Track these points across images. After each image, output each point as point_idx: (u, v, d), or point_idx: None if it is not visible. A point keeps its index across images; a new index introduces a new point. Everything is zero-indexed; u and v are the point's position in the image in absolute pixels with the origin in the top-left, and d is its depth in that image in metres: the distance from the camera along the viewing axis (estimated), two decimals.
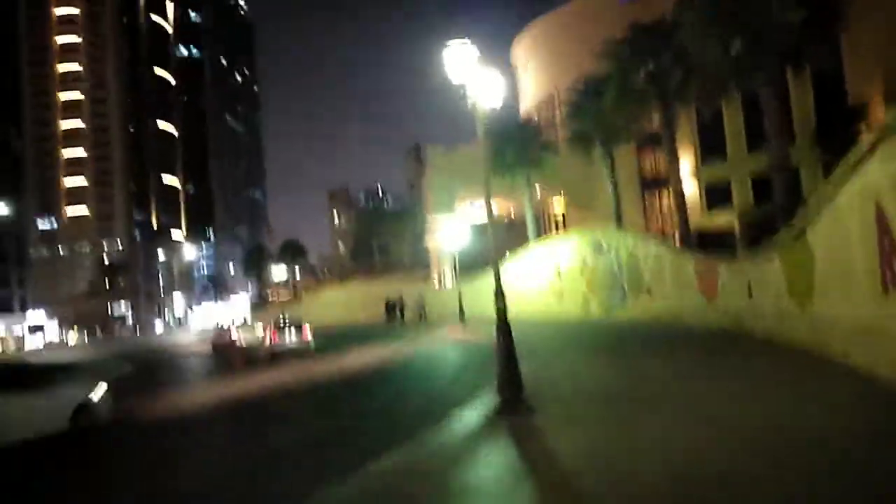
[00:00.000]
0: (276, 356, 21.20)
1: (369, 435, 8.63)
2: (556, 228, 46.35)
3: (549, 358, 14.35)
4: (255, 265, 71.95)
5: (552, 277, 29.97)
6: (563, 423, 7.69)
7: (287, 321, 22.49)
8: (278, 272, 66.00)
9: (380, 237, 57.28)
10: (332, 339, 27.59)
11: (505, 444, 7.19)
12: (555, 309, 29.27)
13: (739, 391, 8.51)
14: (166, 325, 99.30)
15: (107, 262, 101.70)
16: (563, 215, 49.43)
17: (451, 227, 30.29)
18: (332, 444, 8.44)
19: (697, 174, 38.54)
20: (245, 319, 56.74)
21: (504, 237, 47.21)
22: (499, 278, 8.88)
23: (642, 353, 13.71)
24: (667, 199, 40.17)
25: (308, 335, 22.53)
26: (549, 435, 7.25)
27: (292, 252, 69.62)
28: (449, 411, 8.81)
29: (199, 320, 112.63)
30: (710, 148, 38.43)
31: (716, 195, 36.93)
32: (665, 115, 22.18)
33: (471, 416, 8.48)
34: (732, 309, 15.56)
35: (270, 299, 65.28)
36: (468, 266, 43.37)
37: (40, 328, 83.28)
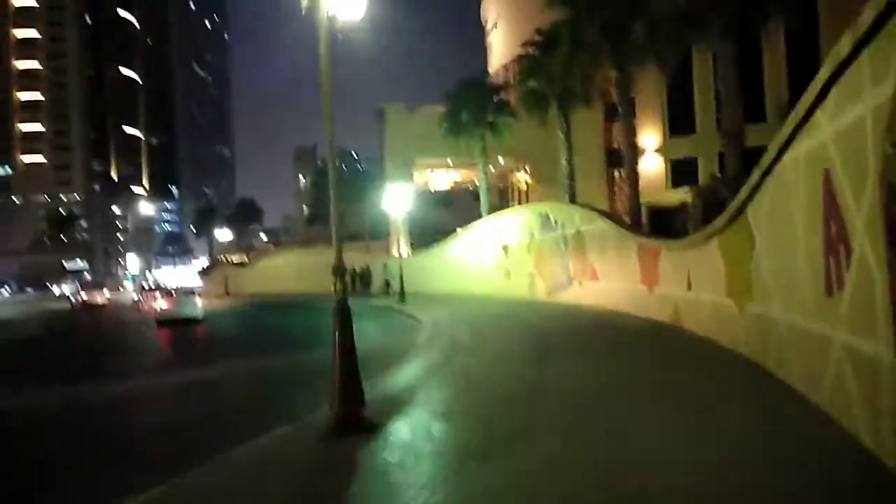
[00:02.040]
0: (161, 323, 21.97)
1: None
2: (520, 202, 44.36)
3: (457, 350, 12.41)
4: (205, 226, 68.57)
5: (500, 254, 28.02)
6: (403, 453, 5.71)
7: (173, 289, 26.17)
8: (222, 234, 62.86)
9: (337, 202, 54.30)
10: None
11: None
12: (501, 288, 27.42)
13: (645, 421, 6.58)
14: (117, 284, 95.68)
15: (54, 213, 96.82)
16: (528, 187, 47.51)
17: (398, 195, 28.02)
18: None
19: (664, 149, 36.74)
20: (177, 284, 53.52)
21: (466, 209, 45.24)
22: (340, 252, 6.84)
23: (559, 352, 11.75)
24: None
25: (198, 304, 23.68)
26: (377, 473, 5.25)
27: (247, 213, 66.65)
28: (271, 426, 6.79)
29: (155, 280, 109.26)
30: (679, 122, 36.65)
31: (682, 172, 35.18)
32: (620, 75, 20.01)
33: (289, 436, 6.47)
34: (672, 300, 13.72)
35: (220, 263, 62.39)
36: (430, 237, 41.38)
37: None
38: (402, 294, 26.98)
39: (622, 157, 37.22)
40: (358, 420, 6.39)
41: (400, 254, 43.38)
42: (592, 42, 19.44)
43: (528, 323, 16.61)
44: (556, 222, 22.95)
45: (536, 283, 24.78)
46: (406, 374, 9.84)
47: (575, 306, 19.94)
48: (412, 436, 6.18)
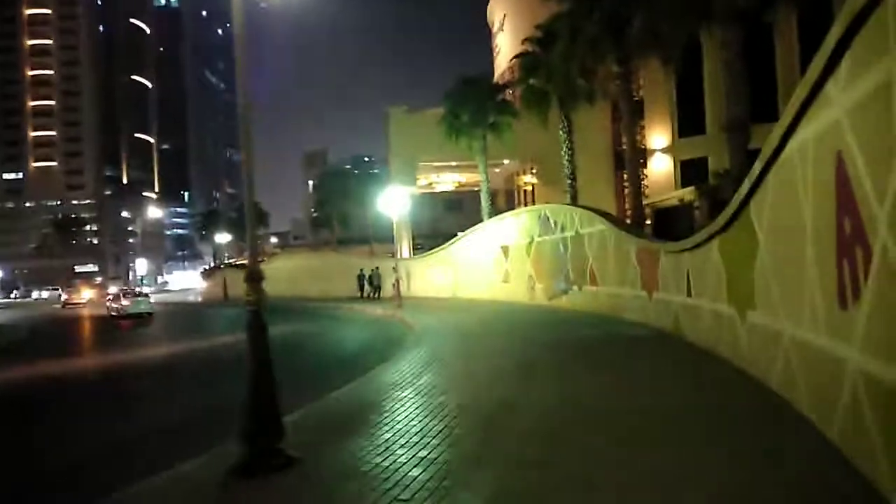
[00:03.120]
0: (117, 317, 25.61)
1: None
2: (526, 205, 43.24)
3: (433, 363, 11.34)
4: (209, 229, 67.93)
5: (500, 257, 26.90)
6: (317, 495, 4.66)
7: (131, 291, 31.06)
8: (222, 238, 62.12)
9: (341, 205, 53.43)
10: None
11: None
12: (501, 293, 26.32)
13: (634, 453, 5.47)
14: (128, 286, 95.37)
15: (61, 217, 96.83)
16: (533, 189, 46.44)
17: (394, 197, 27.03)
18: None
19: (672, 149, 35.45)
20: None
21: (475, 211, 44.17)
22: (255, 255, 5.82)
23: (541, 368, 10.61)
24: (642, 176, 37.13)
25: (150, 303, 28.78)
26: None
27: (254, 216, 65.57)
28: (176, 463, 5.74)
29: (166, 283, 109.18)
30: (688, 122, 35.31)
31: (692, 173, 33.85)
32: (622, 69, 18.83)
33: (194, 475, 5.41)
34: (672, 307, 12.57)
35: (222, 266, 61.68)
36: (439, 240, 40.33)
37: None
38: (376, 296, 25.98)
39: (639, 164, 36.40)
40: (272, 455, 5.33)
41: (399, 257, 42.56)
42: (592, 34, 18.31)
43: (516, 331, 15.49)
44: (555, 224, 21.82)
45: (535, 287, 23.65)
46: (362, 391, 8.79)
47: (573, 312, 18.82)
48: (336, 478, 5.10)
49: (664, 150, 35.90)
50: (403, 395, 8.30)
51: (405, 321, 20.18)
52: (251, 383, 5.31)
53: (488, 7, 52.53)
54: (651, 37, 16.32)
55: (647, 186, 36.50)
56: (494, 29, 51.67)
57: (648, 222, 24.93)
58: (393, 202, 26.54)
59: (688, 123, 35.10)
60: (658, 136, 36.28)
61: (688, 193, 23.08)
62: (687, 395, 7.48)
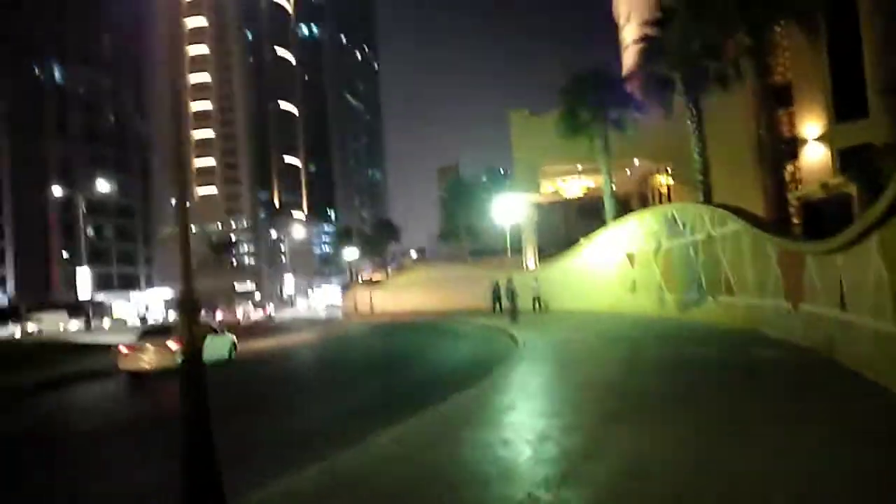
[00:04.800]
0: (135, 376, 17.11)
1: None
2: None
3: (526, 396, 9.76)
4: (344, 245, 69.92)
5: (625, 264, 24.55)
6: None
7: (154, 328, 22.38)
8: (350, 254, 63.35)
9: (468, 217, 52.68)
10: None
11: None
12: (627, 303, 23.98)
13: None
14: (276, 304, 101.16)
15: (215, 240, 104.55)
16: (669, 190, 42.98)
17: (510, 205, 25.68)
18: None
19: (828, 136, 30.84)
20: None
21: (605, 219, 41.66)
22: (188, 276, 4.62)
23: (655, 407, 8.68)
24: (793, 169, 32.80)
25: (173, 349, 16.20)
26: None
27: (385, 232, 67.07)
28: None
29: (313, 300, 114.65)
30: (847, 106, 30.52)
31: (854, 162, 29.20)
32: (753, 40, 16.06)
33: None
34: (822, 322, 10.06)
35: (360, 281, 63.18)
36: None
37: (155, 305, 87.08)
38: (513, 312, 24.31)
39: (781, 150, 32.02)
40: None
41: (525, 268, 40.85)
42: (714, 4, 15.80)
43: (635, 353, 13.39)
44: (683, 226, 19.29)
45: (665, 297, 21.13)
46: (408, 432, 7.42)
47: (707, 325, 16.31)
48: None
49: (819, 139, 31.39)
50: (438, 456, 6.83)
51: (513, 335, 18.61)
52: (185, 441, 4.09)
53: (613, 3, 49.75)
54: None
55: (800, 181, 32.15)
56: (621, 23, 48.74)
57: (798, 222, 21.51)
58: (507, 210, 25.09)
59: (846, 106, 30.34)
60: (811, 124, 31.81)
61: (837, 180, 19.50)
62: (853, 461, 5.36)
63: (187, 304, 4.17)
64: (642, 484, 4.90)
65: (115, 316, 71.30)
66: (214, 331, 20.45)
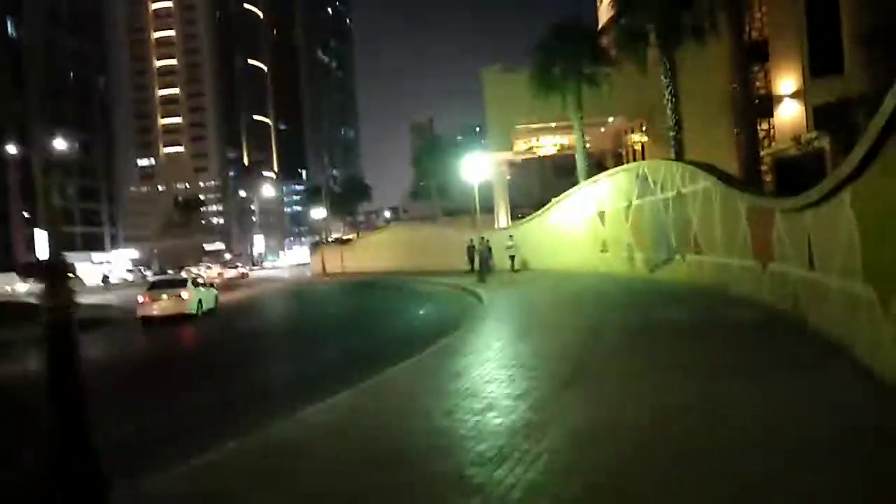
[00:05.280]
0: (147, 322, 19.73)
1: None
2: None
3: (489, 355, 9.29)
4: (313, 205, 68.60)
5: (597, 223, 24.13)
6: None
7: (163, 281, 24.69)
8: (317, 213, 62.18)
9: (441, 176, 51.72)
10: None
11: None
12: (600, 263, 23.61)
13: None
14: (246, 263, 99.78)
15: (181, 199, 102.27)
16: (643, 147, 42.52)
17: (483, 163, 25.01)
18: None
19: (803, 93, 30.44)
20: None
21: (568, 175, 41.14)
22: (56, 241, 5.18)
23: (606, 371, 8.26)
24: (768, 126, 32.42)
25: (189, 298, 20.35)
26: None
27: (356, 190, 65.89)
28: None
29: (283, 259, 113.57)
30: (822, 62, 30.01)
31: (829, 120, 28.85)
32: None
33: None
34: (790, 282, 9.70)
35: (330, 241, 62.24)
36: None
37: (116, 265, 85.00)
38: (481, 272, 23.87)
39: (758, 111, 31.36)
40: None
41: (497, 227, 40.33)
42: None
43: (592, 313, 13.03)
44: (654, 184, 18.83)
45: (635, 257, 20.80)
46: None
47: (673, 285, 16.05)
48: None
49: (794, 96, 31.02)
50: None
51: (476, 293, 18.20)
52: (57, 420, 3.46)
53: None
54: None
55: (775, 139, 31.85)
56: None
57: (771, 179, 21.19)
58: (476, 168, 24.41)
59: (822, 62, 29.90)
60: (787, 80, 31.39)
61: (810, 135, 19.12)
62: (788, 426, 4.94)
63: (55, 269, 3.50)
64: (583, 457, 4.44)
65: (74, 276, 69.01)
66: (203, 285, 23.44)
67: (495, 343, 10.27)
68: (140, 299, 20.41)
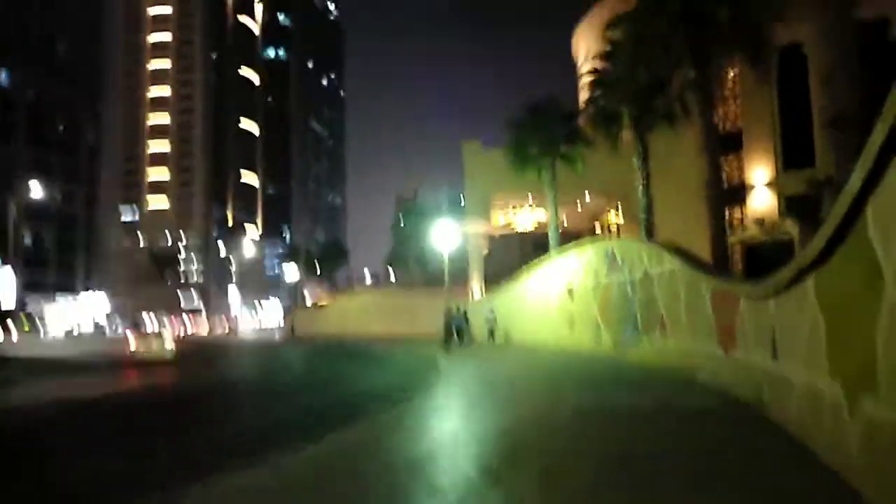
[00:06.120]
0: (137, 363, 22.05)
1: None
2: None
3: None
4: (289, 265, 67.81)
5: (565, 298, 23.66)
6: None
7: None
8: (291, 273, 61.29)
9: (417, 244, 51.45)
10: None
11: None
12: (566, 337, 23.07)
13: None
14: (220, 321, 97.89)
15: (155, 252, 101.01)
16: (619, 227, 42.79)
17: (445, 232, 24.70)
18: None
19: (776, 183, 30.75)
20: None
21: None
22: None
23: (557, 468, 7.52)
24: (740, 214, 32.60)
25: (168, 345, 23.60)
26: None
27: (334, 253, 65.26)
28: None
29: (257, 318, 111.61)
30: (795, 154, 30.49)
31: (800, 209, 28.98)
32: (699, 73, 15.44)
33: None
34: (754, 370, 9.10)
35: (305, 304, 61.09)
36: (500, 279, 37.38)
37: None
38: (447, 342, 23.13)
39: (733, 197, 31.65)
40: None
41: (471, 298, 39.76)
42: (660, 34, 15.15)
43: (550, 390, 12.29)
44: (622, 262, 18.47)
45: (602, 335, 20.22)
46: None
47: (638, 367, 15.38)
48: None
49: (767, 185, 31.36)
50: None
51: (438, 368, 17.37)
52: None
53: (572, 40, 49.98)
54: (734, 30, 12.98)
55: (747, 228, 31.98)
56: (579, 63, 48.90)
57: (742, 266, 20.93)
58: (445, 237, 24.03)
59: (795, 154, 30.43)
60: (760, 170, 31.83)
61: (774, 220, 18.96)
62: None
63: None
64: None
65: (25, 327, 63.33)
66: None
67: (442, 418, 9.48)
68: (130, 337, 24.22)
